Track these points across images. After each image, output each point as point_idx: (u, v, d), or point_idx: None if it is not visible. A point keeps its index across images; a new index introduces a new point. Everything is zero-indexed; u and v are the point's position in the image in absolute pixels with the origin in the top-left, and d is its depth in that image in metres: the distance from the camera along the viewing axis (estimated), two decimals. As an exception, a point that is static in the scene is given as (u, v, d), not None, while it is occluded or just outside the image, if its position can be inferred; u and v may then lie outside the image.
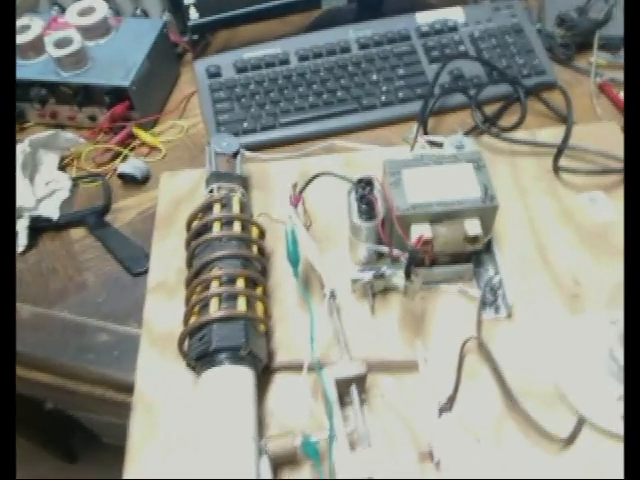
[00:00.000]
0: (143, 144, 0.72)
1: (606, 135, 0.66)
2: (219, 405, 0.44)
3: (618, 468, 0.44)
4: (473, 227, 0.50)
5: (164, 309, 0.55)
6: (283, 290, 0.56)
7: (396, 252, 0.50)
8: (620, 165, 0.61)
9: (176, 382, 0.50)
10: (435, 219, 0.50)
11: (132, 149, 0.71)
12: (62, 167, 0.70)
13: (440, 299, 0.54)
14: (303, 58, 0.75)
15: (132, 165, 0.67)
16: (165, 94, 0.77)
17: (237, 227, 0.52)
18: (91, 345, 0.56)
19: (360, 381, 0.47)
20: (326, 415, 0.44)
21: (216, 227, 0.52)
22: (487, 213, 0.51)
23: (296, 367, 0.49)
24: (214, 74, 0.74)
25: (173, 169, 0.68)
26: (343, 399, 0.47)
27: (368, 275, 0.53)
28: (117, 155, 0.70)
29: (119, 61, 0.70)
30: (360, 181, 0.51)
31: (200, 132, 0.73)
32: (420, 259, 0.51)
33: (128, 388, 0.52)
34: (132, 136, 0.71)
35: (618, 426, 0.45)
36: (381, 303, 0.54)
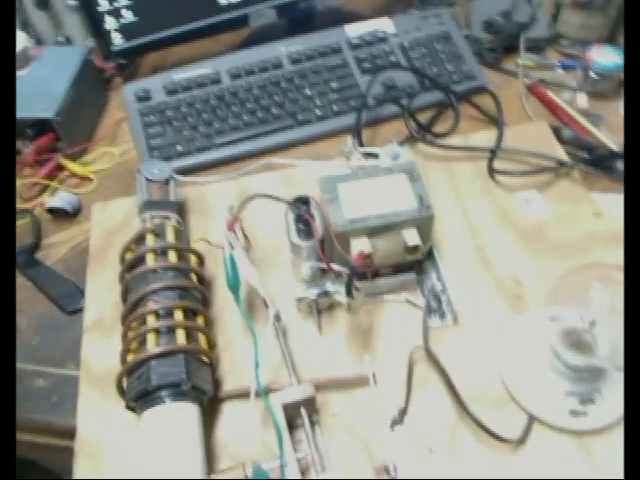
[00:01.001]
0: (73, 175, 0.69)
1: (537, 135, 0.67)
2: (163, 446, 0.42)
3: (571, 462, 0.44)
4: (411, 237, 0.50)
5: (102, 348, 0.52)
6: (228, 316, 0.54)
7: (337, 268, 0.49)
8: (552, 164, 0.63)
9: (119, 423, 0.48)
10: (373, 232, 0.50)
11: (61, 181, 0.68)
12: (-13, 205, 0.66)
13: (386, 311, 0.54)
14: (235, 76, 0.73)
15: (61, 198, 0.64)
16: (94, 121, 0.75)
17: (172, 257, 0.50)
18: (28, 392, 0.53)
19: (309, 403, 0.46)
20: (277, 442, 0.43)
21: (150, 258, 0.50)
22: (424, 222, 0.50)
23: (244, 395, 0.47)
24: (143, 98, 0.72)
25: (106, 199, 0.66)
26: (294, 422, 0.46)
27: (312, 293, 0.52)
28: (45, 188, 0.67)
29: (41, 92, 0.67)
30: (296, 200, 0.51)
31: (133, 158, 0.71)
32: (362, 273, 0.51)
33: (71, 434, 0.49)
34: (60, 167, 0.69)
35: (567, 421, 0.45)
36: (328, 320, 0.54)
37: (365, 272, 0.51)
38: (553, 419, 0.46)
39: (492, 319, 0.52)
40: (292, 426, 0.46)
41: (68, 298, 0.58)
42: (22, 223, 0.65)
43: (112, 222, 0.62)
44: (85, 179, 0.69)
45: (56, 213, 0.65)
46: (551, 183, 0.62)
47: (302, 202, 0.51)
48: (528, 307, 0.53)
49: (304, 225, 0.51)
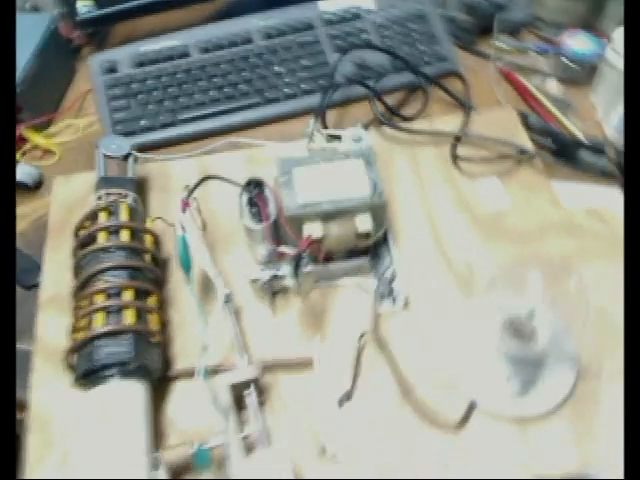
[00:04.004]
0: (36, 147, 0.68)
1: (504, 120, 0.67)
2: (108, 422, 0.43)
3: (509, 446, 0.46)
4: (363, 224, 0.50)
5: (58, 323, 0.52)
6: (184, 295, 0.55)
7: (286, 251, 0.50)
8: (514, 151, 0.63)
9: (71, 398, 0.49)
10: (325, 217, 0.50)
11: (24, 153, 0.67)
12: (-52, 176, 0.66)
13: (339, 294, 0.54)
14: (204, 50, 0.72)
15: (22, 171, 0.64)
16: (59, 92, 0.74)
17: (125, 236, 0.50)
18: (-19, 365, 0.53)
19: (256, 384, 0.46)
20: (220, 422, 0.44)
21: (102, 237, 0.50)
22: (376, 209, 0.51)
23: (193, 374, 0.48)
24: (109, 70, 0.71)
25: (69, 172, 0.65)
26: (241, 402, 0.47)
27: (266, 275, 0.52)
28: (8, 160, 0.67)
29: (2, 60, 0.66)
30: (249, 183, 0.50)
31: (98, 132, 0.70)
32: (314, 257, 0.51)
33: (21, 406, 0.50)
34: (23, 139, 0.68)
35: (506, 407, 0.47)
36: (282, 302, 0.54)
37: (316, 256, 0.51)
38: (493, 404, 0.47)
39: (442, 305, 0.53)
40: (239, 406, 0.47)
41: (26, 273, 0.58)
42: (-18, 195, 0.64)
43: (72, 197, 0.62)
44: (48, 152, 0.68)
45: (17, 186, 0.64)
46: (512, 171, 0.62)
47: (255, 185, 0.51)
48: (477, 294, 0.53)
49: (257, 208, 0.51)
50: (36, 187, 0.65)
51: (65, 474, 0.46)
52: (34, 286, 0.57)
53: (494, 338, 0.48)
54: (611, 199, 0.60)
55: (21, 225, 0.62)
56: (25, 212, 0.63)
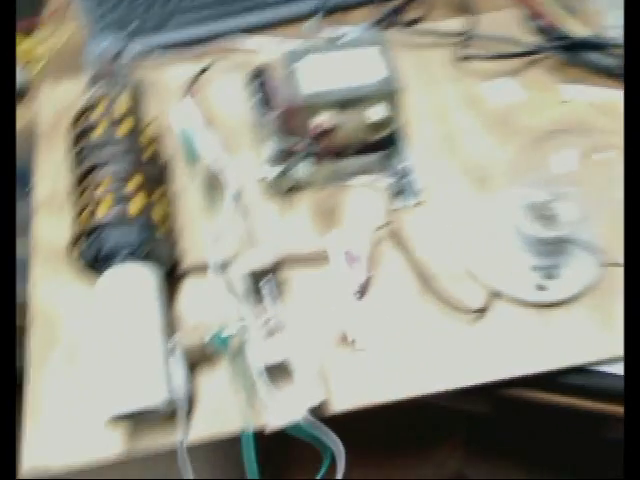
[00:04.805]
0: (20, 53, 0.64)
1: (509, 23, 0.65)
2: (119, 306, 0.41)
3: (531, 332, 0.45)
4: (377, 112, 0.48)
5: (55, 224, 0.50)
6: (188, 196, 0.53)
7: (300, 145, 0.48)
8: (522, 50, 0.61)
9: (74, 295, 0.47)
10: (337, 107, 0.48)
11: (6, 59, 0.63)
12: None
13: (350, 193, 0.53)
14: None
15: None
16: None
17: (125, 127, 0.48)
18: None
19: (272, 272, 0.45)
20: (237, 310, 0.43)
21: (101, 128, 0.47)
22: (391, 96, 0.49)
23: (205, 269, 0.47)
24: (94, -29, 0.66)
25: (55, 79, 0.62)
26: (255, 295, 0.46)
27: (274, 172, 0.51)
28: (-11, 67, 0.62)
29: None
30: (255, 72, 0.48)
31: (85, 38, 0.66)
32: (325, 151, 0.50)
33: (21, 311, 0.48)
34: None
35: (532, 295, 0.46)
36: (293, 201, 0.52)
37: (328, 151, 0.49)
38: (514, 292, 0.46)
39: (456, 200, 0.52)
40: (255, 299, 0.46)
41: (18, 179, 0.55)
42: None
43: (63, 102, 0.59)
44: (33, 58, 0.64)
45: (0, 93, 0.60)
46: (520, 70, 0.61)
47: (261, 74, 0.48)
48: (492, 189, 0.52)
49: (264, 99, 0.49)
50: (21, 95, 0.61)
51: (74, 368, 0.44)
52: (27, 193, 0.54)
53: (515, 225, 0.47)
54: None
55: (8, 132, 0.59)
56: (11, 119, 0.60)
